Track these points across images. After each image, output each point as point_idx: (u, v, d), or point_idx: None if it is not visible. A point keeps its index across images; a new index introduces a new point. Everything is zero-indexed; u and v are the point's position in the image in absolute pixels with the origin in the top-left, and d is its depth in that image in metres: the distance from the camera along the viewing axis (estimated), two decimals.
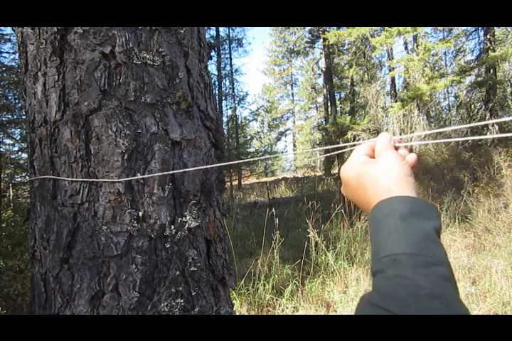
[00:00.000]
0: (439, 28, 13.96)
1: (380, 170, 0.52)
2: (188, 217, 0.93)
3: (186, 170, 0.93)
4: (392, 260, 0.43)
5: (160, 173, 0.89)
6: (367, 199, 0.52)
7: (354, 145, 0.61)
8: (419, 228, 0.44)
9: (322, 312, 2.99)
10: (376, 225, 0.48)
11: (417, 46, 10.80)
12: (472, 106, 10.12)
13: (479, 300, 2.95)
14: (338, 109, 15.73)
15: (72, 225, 0.87)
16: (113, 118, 0.87)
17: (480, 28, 9.69)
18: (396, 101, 10.58)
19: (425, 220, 0.45)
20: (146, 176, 0.88)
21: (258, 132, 27.53)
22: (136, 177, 0.88)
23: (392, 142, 0.55)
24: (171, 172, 0.91)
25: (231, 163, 0.91)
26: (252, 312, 2.98)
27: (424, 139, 10.09)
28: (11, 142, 7.36)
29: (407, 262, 0.41)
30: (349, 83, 16.16)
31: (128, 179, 0.87)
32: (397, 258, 0.42)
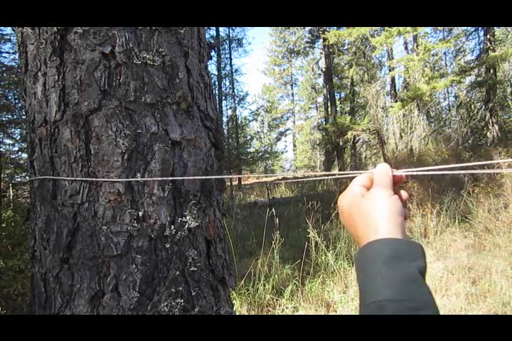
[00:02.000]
0: (439, 28, 13.96)
1: (368, 205, 0.52)
2: (188, 217, 0.93)
3: (197, 177, 0.93)
4: (377, 307, 0.43)
5: (170, 178, 0.89)
6: (357, 234, 0.54)
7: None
8: (402, 272, 0.45)
9: (322, 312, 2.99)
10: (361, 269, 0.49)
11: (417, 46, 10.80)
12: (472, 106, 10.12)
13: (479, 300, 2.95)
14: (338, 109, 15.73)
15: (72, 225, 0.87)
16: (113, 118, 0.87)
17: (480, 28, 9.70)
18: (396, 101, 10.58)
19: (409, 262, 0.45)
20: (147, 179, 0.88)
21: (258, 132, 27.54)
22: (139, 179, 0.88)
23: (390, 174, 0.55)
24: (182, 178, 0.91)
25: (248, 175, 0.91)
26: (252, 312, 2.98)
27: (424, 139, 10.08)
28: (11, 142, 7.36)
29: (391, 309, 0.42)
30: (349, 83, 16.17)
31: (129, 180, 0.87)
32: (382, 305, 0.43)
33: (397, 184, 0.56)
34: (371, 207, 0.52)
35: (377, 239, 0.48)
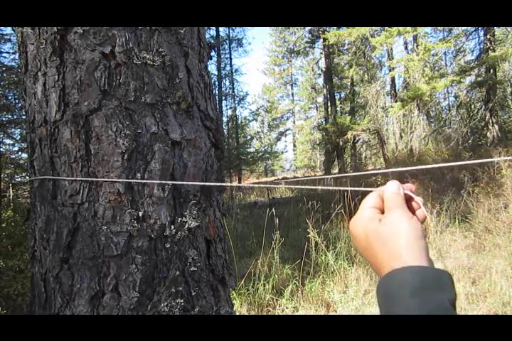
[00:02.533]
0: (439, 28, 13.96)
1: (389, 232, 0.49)
2: (188, 217, 0.93)
3: (208, 184, 0.93)
4: None
5: (171, 182, 0.89)
6: (376, 262, 0.50)
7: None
8: (432, 305, 0.42)
9: (322, 312, 2.99)
10: (386, 300, 0.46)
11: (417, 46, 10.81)
12: (472, 106, 10.13)
13: (479, 300, 2.95)
14: (338, 109, 15.73)
15: (72, 225, 0.87)
16: (113, 118, 0.87)
17: (480, 28, 9.70)
18: (396, 101, 10.59)
19: (438, 293, 0.43)
20: (148, 181, 0.88)
21: (258, 132, 27.55)
22: (140, 181, 0.88)
23: (401, 192, 0.52)
24: (188, 182, 0.91)
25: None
26: (252, 312, 2.98)
27: (424, 139, 10.09)
28: (11, 142, 7.36)
29: None
30: (349, 83, 16.17)
31: (129, 181, 0.87)
32: None
33: (409, 201, 0.53)
34: (393, 233, 0.48)
35: (403, 267, 0.45)
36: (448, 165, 0.56)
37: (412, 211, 0.53)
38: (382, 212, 0.53)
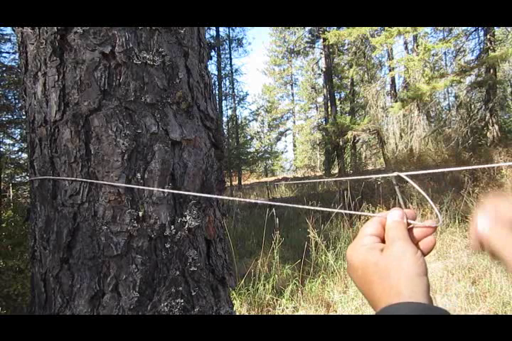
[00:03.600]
0: (439, 28, 13.96)
1: (389, 265, 0.46)
2: (188, 217, 0.93)
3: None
4: None
5: (177, 192, 0.89)
6: (372, 295, 0.47)
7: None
8: None
9: (322, 312, 2.99)
10: None
11: (417, 46, 10.81)
12: (472, 106, 10.13)
13: (479, 300, 2.95)
14: (338, 109, 15.73)
15: (72, 225, 0.87)
16: (113, 118, 0.87)
17: (480, 28, 9.70)
18: (396, 101, 10.59)
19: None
20: (149, 188, 0.88)
21: (258, 132, 27.57)
22: (144, 188, 0.88)
23: (404, 221, 0.49)
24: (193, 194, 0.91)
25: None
26: (252, 312, 2.98)
27: (424, 139, 10.09)
28: (11, 142, 7.37)
29: None
30: (349, 83, 16.17)
31: (128, 186, 0.87)
32: None
33: (411, 230, 0.50)
34: (394, 268, 0.45)
35: (402, 303, 0.42)
36: (451, 169, 0.56)
37: (415, 241, 0.50)
38: (383, 241, 0.51)
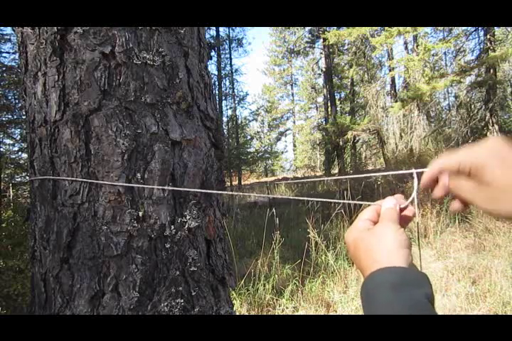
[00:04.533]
0: (439, 28, 13.96)
1: (372, 241, 0.52)
2: (188, 217, 0.93)
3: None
4: None
5: (180, 190, 0.89)
6: (362, 269, 0.53)
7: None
8: (411, 298, 0.44)
9: (322, 312, 2.99)
10: (368, 297, 0.48)
11: (417, 46, 10.81)
12: (472, 106, 10.12)
13: (479, 300, 2.95)
14: (338, 109, 15.74)
15: (72, 225, 0.87)
16: (113, 118, 0.87)
17: (480, 28, 9.69)
18: (396, 101, 10.59)
19: (416, 289, 0.45)
20: (150, 186, 0.88)
21: (258, 132, 27.56)
22: (142, 186, 0.88)
23: (397, 208, 0.56)
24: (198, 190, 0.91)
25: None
26: (252, 312, 2.98)
27: (424, 139, 10.09)
28: (11, 142, 7.37)
29: None
30: (349, 83, 16.17)
31: (129, 185, 0.87)
32: None
33: (406, 220, 0.57)
34: (376, 242, 0.52)
35: (383, 268, 0.48)
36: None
37: (408, 219, 0.57)
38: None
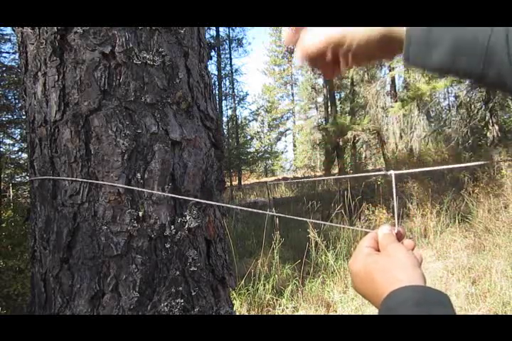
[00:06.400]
0: None
1: (388, 261, 0.53)
2: (188, 217, 0.93)
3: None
4: None
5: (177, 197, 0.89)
6: (375, 291, 0.52)
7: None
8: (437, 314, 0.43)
9: (322, 312, 2.99)
10: (389, 312, 0.46)
11: None
12: (472, 106, 10.12)
13: (479, 300, 2.95)
14: (338, 109, 15.73)
15: (72, 225, 0.87)
16: (113, 118, 0.87)
17: None
18: (396, 101, 10.59)
19: (440, 307, 0.44)
20: (154, 191, 0.88)
21: (258, 132, 27.53)
22: (144, 189, 0.88)
23: (394, 233, 0.58)
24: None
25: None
26: (252, 312, 2.98)
27: (424, 139, 10.09)
28: (11, 142, 7.37)
29: None
30: (349, 83, 16.16)
31: (129, 188, 0.87)
32: None
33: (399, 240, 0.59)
34: (391, 262, 0.52)
35: (405, 287, 0.47)
36: (448, 167, 0.56)
37: (402, 239, 0.58)
38: (378, 251, 0.58)
